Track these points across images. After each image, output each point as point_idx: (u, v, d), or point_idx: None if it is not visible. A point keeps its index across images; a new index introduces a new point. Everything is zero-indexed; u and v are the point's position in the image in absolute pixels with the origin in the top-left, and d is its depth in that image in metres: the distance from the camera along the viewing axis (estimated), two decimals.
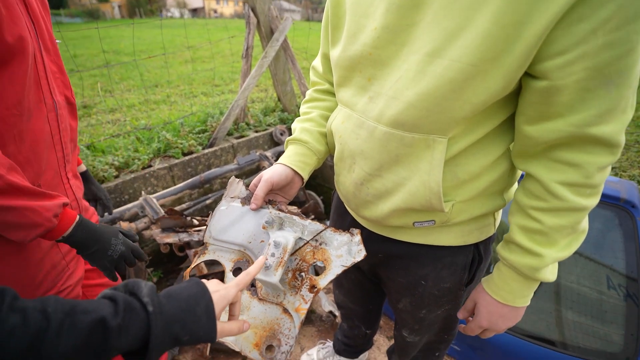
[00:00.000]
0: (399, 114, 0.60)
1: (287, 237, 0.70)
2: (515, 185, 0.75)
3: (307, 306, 0.70)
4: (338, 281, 1.15)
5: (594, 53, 0.46)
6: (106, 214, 1.33)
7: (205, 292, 0.51)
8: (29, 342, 0.37)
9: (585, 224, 0.62)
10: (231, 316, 0.60)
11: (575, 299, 1.38)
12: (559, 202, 0.58)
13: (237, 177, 0.87)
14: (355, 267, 0.98)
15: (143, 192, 1.85)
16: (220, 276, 1.56)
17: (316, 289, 0.69)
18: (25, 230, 0.72)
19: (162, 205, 1.88)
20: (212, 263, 1.81)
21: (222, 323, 0.53)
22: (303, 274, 0.71)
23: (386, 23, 0.59)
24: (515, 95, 0.59)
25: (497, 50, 0.49)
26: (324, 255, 0.70)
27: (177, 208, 1.95)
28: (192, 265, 0.79)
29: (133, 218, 1.79)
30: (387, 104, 0.62)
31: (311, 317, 1.93)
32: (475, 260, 0.77)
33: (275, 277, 0.66)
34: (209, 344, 1.63)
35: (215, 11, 61.76)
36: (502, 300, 0.69)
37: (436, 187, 0.63)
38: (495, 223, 0.77)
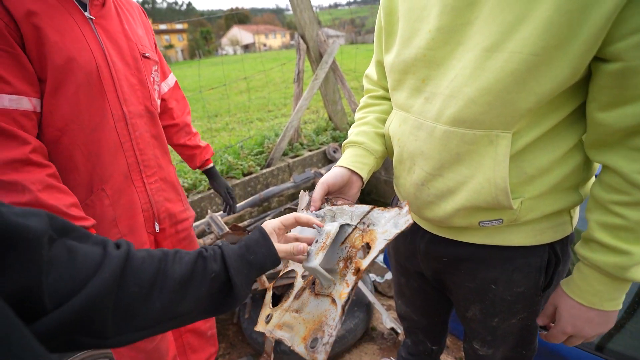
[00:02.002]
0: (458, 111, 0.61)
1: (332, 225, 0.69)
2: (593, 179, 0.70)
3: (348, 290, 0.65)
4: (400, 290, 1.12)
5: None
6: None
7: (258, 227, 0.64)
8: (156, 266, 0.50)
9: None
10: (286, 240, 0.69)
11: None
12: None
13: (293, 194, 0.92)
14: (418, 273, 0.96)
15: (209, 211, 2.00)
16: (287, 288, 1.62)
17: (359, 272, 0.66)
18: None
19: (225, 223, 2.02)
20: (272, 277, 1.87)
21: (278, 244, 0.63)
22: (352, 259, 0.68)
23: (440, 24, 0.61)
24: (584, 83, 0.56)
25: (560, 37, 0.49)
26: (372, 235, 0.67)
27: (239, 225, 2.06)
28: (280, 275, 0.85)
29: (201, 234, 1.93)
30: (445, 103, 0.63)
31: (372, 335, 1.88)
32: (552, 262, 0.72)
33: (315, 261, 0.64)
34: (272, 357, 1.66)
35: (264, 45, 66.00)
36: (587, 303, 0.63)
37: (502, 184, 0.61)
38: (572, 221, 0.72)
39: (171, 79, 1.32)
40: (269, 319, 0.76)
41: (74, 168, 0.96)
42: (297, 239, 0.68)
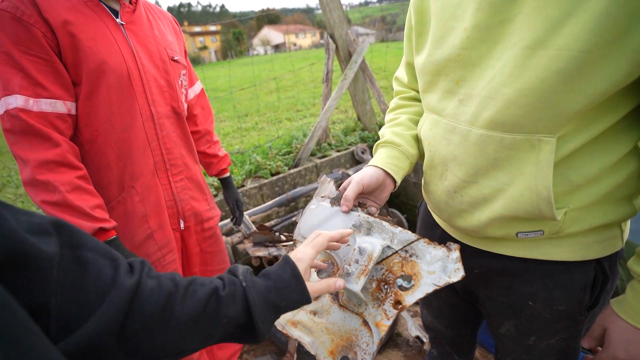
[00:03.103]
0: (496, 113, 0.57)
1: (373, 244, 0.66)
2: None
3: (389, 323, 0.65)
4: (426, 299, 1.07)
5: None
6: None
7: (287, 260, 0.56)
8: (164, 302, 0.45)
9: None
10: (317, 267, 0.64)
11: None
12: None
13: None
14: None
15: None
16: None
17: (401, 306, 0.64)
18: None
19: (253, 222, 2.04)
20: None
21: (312, 283, 0.57)
22: (388, 286, 0.67)
23: (477, 22, 0.57)
24: None
25: (618, 31, 0.44)
26: (414, 268, 0.65)
27: (267, 224, 2.08)
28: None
29: (229, 233, 1.97)
30: (482, 105, 0.59)
31: (397, 341, 1.84)
32: (599, 279, 0.66)
33: (356, 286, 0.63)
34: (295, 357, 1.66)
35: (294, 44, 66.60)
36: None
37: (545, 192, 0.56)
38: (622, 235, 0.65)
39: (198, 87, 1.35)
40: None
41: (106, 166, 1.01)
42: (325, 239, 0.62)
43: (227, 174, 1.47)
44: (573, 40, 0.47)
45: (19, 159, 0.87)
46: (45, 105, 0.87)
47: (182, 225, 1.18)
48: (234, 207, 1.50)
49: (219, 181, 2.20)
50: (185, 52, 1.25)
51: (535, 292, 0.69)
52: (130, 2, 1.03)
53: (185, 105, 1.22)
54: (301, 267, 0.56)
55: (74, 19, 0.89)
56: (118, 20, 0.99)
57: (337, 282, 0.59)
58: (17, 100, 0.85)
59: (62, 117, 0.91)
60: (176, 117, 1.13)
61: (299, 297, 0.54)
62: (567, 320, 0.69)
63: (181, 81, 1.17)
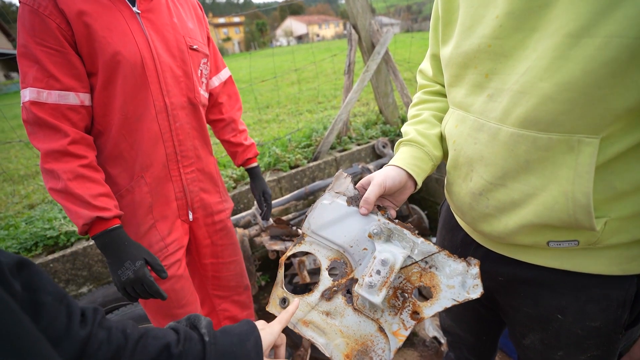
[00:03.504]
0: (531, 110, 0.51)
1: (395, 255, 0.64)
2: None
3: (406, 333, 0.64)
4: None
5: None
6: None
7: (254, 329, 0.57)
8: (111, 356, 0.44)
9: None
10: (278, 358, 0.64)
11: None
12: None
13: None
14: None
15: (255, 202, 2.04)
16: None
17: (419, 317, 0.64)
18: (74, 221, 0.92)
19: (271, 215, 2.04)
20: (314, 272, 1.86)
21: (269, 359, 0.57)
22: (406, 295, 0.66)
23: (511, 8, 0.52)
24: None
25: None
26: (433, 280, 0.64)
27: (284, 218, 2.08)
28: (288, 253, 0.76)
29: (247, 225, 1.98)
30: (514, 101, 0.54)
31: (413, 340, 1.80)
32: None
33: (378, 298, 0.62)
34: (309, 352, 1.66)
35: (317, 35, 66.09)
36: None
37: (584, 200, 0.51)
38: None
39: (224, 74, 1.32)
40: (285, 304, 0.74)
41: (119, 155, 1.02)
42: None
43: (254, 164, 1.41)
44: (628, 25, 0.41)
45: (36, 147, 0.91)
46: (58, 97, 0.89)
47: (190, 216, 1.18)
48: (260, 199, 1.42)
49: (238, 174, 2.22)
50: (209, 38, 1.22)
51: (565, 305, 0.64)
52: None
53: (207, 95, 1.20)
54: (265, 341, 0.57)
55: (89, 9, 0.89)
56: (134, 8, 0.98)
57: None
58: (30, 93, 0.87)
59: (75, 109, 0.92)
60: (192, 108, 1.11)
61: None
62: (600, 338, 0.64)
63: (201, 70, 1.14)
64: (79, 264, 1.66)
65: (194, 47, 1.10)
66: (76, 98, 0.92)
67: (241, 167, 2.30)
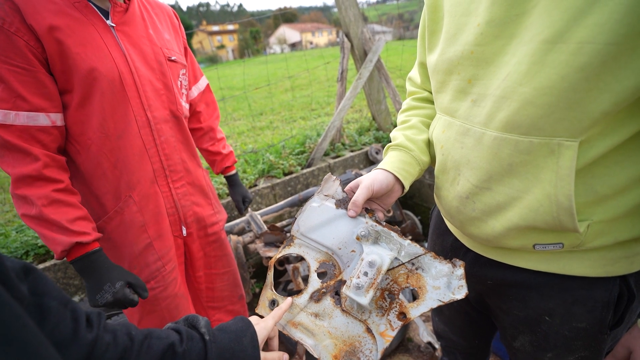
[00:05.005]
0: (512, 114, 0.53)
1: (382, 257, 0.66)
2: None
3: (393, 333, 0.65)
4: (438, 308, 1.04)
5: None
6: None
7: (249, 325, 0.59)
8: (118, 358, 0.45)
9: None
10: (271, 350, 0.67)
11: None
12: None
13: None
14: None
15: (249, 209, 2.04)
16: None
17: (405, 318, 0.65)
18: (51, 248, 0.89)
19: (265, 222, 2.04)
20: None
21: (265, 353, 0.60)
22: (393, 296, 0.67)
23: (491, 17, 0.54)
24: None
25: None
26: (419, 281, 0.65)
27: (278, 224, 2.08)
28: (277, 255, 0.77)
29: (241, 232, 1.98)
30: (497, 105, 0.55)
31: (408, 346, 1.80)
32: (624, 297, 0.61)
33: (365, 299, 0.63)
34: (304, 355, 1.65)
35: (311, 43, 66.62)
36: None
37: (566, 202, 0.52)
38: None
39: (202, 83, 1.31)
40: (274, 306, 0.75)
41: (102, 175, 0.98)
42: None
43: (233, 172, 1.44)
44: (598, 31, 0.43)
45: (5, 172, 0.87)
46: (27, 118, 0.84)
47: (184, 232, 1.16)
48: (240, 205, 1.48)
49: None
50: (185, 48, 1.20)
51: (552, 307, 0.66)
52: (124, 1, 0.98)
53: (187, 106, 1.17)
54: (260, 335, 0.59)
55: (60, 24, 0.85)
56: (108, 21, 0.93)
57: (284, 356, 0.64)
58: None
59: (46, 130, 0.87)
60: (175, 121, 1.08)
61: None
62: (587, 339, 0.65)
63: (180, 81, 1.12)
64: (70, 272, 1.64)
65: (172, 58, 1.07)
66: (47, 119, 0.87)
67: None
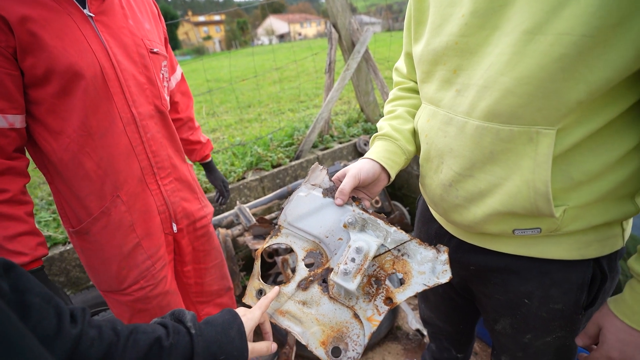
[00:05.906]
0: (493, 104, 0.54)
1: (369, 243, 0.67)
2: None
3: (380, 318, 0.67)
4: (423, 294, 1.07)
5: None
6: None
7: (236, 317, 0.60)
8: (104, 353, 0.45)
9: None
10: (265, 333, 0.69)
11: None
12: None
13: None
14: None
15: (238, 202, 2.03)
16: None
17: (392, 303, 0.66)
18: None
19: (253, 214, 2.04)
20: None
21: (253, 343, 0.61)
22: (379, 282, 0.68)
23: (475, 7, 0.55)
24: None
25: (622, 13, 0.41)
26: (405, 267, 0.66)
27: (267, 217, 2.08)
28: (265, 245, 0.77)
29: (229, 225, 1.97)
30: (479, 95, 0.57)
31: (397, 334, 1.84)
32: (597, 278, 0.64)
33: (352, 285, 0.64)
34: (294, 350, 1.67)
35: (299, 34, 65.90)
36: None
37: (543, 188, 0.54)
38: (624, 234, 0.64)
39: (178, 73, 1.28)
40: (262, 295, 0.75)
41: (84, 176, 0.93)
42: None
43: (210, 159, 1.47)
44: (574, 23, 0.44)
45: None
46: None
47: (175, 228, 1.14)
48: (221, 188, 1.52)
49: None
50: (166, 38, 1.15)
51: (531, 290, 0.68)
52: None
53: (168, 98, 1.13)
54: (247, 327, 0.60)
55: (34, 14, 0.77)
56: (85, 11, 0.86)
57: (273, 345, 0.65)
58: None
59: (2, 133, 0.80)
60: (160, 116, 1.04)
61: (238, 354, 0.56)
62: (563, 319, 0.68)
63: (162, 74, 1.07)
64: (55, 269, 1.61)
65: (155, 50, 1.01)
66: (3, 120, 0.80)
67: (222, 168, 2.29)
